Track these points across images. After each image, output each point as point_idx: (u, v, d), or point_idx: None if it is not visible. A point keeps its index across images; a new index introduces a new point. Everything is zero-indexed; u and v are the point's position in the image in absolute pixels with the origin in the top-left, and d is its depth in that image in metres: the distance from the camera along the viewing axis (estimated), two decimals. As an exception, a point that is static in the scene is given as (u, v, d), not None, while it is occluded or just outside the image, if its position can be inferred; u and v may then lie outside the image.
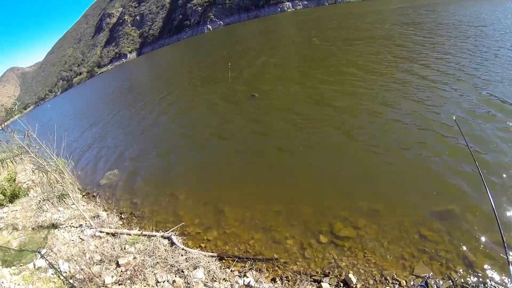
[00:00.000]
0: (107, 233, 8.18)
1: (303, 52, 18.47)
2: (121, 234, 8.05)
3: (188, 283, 5.65)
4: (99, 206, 10.01)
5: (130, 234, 7.99)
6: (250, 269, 4.99)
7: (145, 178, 10.38)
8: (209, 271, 5.69)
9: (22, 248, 7.82)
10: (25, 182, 12.26)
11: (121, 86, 41.32)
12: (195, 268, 5.88)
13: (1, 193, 10.49)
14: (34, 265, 7.04)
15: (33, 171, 12.32)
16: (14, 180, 11.35)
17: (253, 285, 4.49)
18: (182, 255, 6.39)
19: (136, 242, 7.55)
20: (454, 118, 4.60)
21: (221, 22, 74.14)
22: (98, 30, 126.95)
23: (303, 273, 4.48)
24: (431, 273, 3.81)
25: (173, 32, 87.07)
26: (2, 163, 12.22)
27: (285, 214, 5.87)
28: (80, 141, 19.37)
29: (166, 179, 9.80)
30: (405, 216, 4.89)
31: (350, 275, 4.10)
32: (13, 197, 10.72)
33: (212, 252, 5.92)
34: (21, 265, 7.10)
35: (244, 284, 4.64)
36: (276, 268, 4.79)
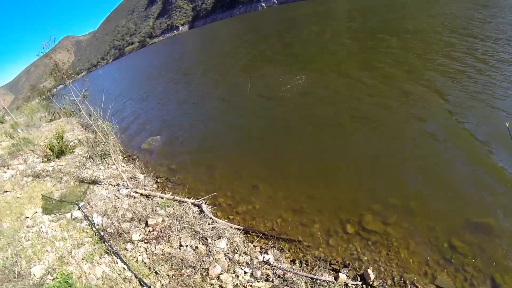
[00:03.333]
0: (141, 194, 8.90)
1: (366, 46, 16.78)
2: (154, 196, 8.67)
3: (210, 251, 6.06)
4: (137, 168, 11.06)
5: (162, 198, 8.56)
6: (272, 247, 5.52)
7: (186, 147, 11.82)
8: (232, 242, 6.11)
9: (62, 199, 9.11)
10: (72, 141, 14.42)
11: (171, 57, 45.47)
12: (219, 238, 6.34)
13: (49, 149, 12.48)
14: (71, 215, 8.11)
15: (80, 129, 14.21)
16: (62, 138, 13.39)
17: (271, 263, 5.01)
18: (209, 224, 6.92)
19: (167, 206, 8.04)
20: (507, 125, 4.61)
21: (275, 0, 72.39)
22: (151, 2, 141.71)
23: (323, 260, 4.91)
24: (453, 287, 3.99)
25: (226, 7, 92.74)
26: (50, 113, 14.44)
27: (317, 199, 6.39)
28: (126, 108, 21.96)
29: (205, 150, 11.02)
30: (438, 221, 5.11)
31: (369, 271, 4.39)
32: (60, 153, 12.69)
33: (239, 225, 6.76)
34: (59, 214, 8.28)
35: (263, 261, 5.20)
36: (298, 250, 5.29)
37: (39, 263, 6.60)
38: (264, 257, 5.40)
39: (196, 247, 6.40)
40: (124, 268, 6.17)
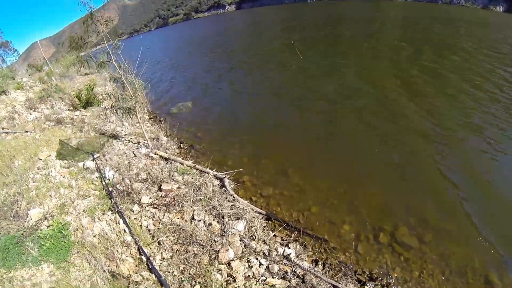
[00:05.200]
0: (161, 157, 8.47)
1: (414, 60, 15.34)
2: (174, 161, 8.20)
3: (224, 232, 5.50)
4: (162, 130, 10.78)
5: (182, 164, 8.08)
6: (295, 240, 5.21)
7: (217, 118, 11.89)
8: (251, 227, 5.58)
9: (79, 147, 8.96)
10: (101, 94, 14.60)
11: (215, 33, 46.24)
12: (237, 219, 5.80)
13: (77, 97, 12.69)
14: (84, 164, 7.90)
15: (112, 86, 14.31)
16: (92, 89, 13.55)
17: (292, 259, 4.65)
18: (228, 201, 6.36)
19: (186, 173, 7.53)
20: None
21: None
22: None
23: (348, 267, 4.59)
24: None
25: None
26: (85, 66, 14.84)
27: (349, 197, 6.14)
28: (161, 73, 22.26)
29: (237, 124, 11.02)
30: (478, 252, 4.83)
31: None
32: (87, 104, 12.93)
33: (261, 209, 6.24)
34: (72, 161, 8.13)
35: (282, 254, 4.84)
36: (322, 250, 5.00)
37: (39, 207, 6.33)
38: (284, 250, 5.00)
39: (210, 224, 5.80)
40: (125, 231, 5.68)
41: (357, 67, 14.42)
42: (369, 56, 16.35)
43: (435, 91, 10.60)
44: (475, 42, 17.03)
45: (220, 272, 4.76)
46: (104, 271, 4.72)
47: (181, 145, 9.81)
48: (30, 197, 6.78)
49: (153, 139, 9.82)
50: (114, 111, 10.59)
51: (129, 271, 4.81)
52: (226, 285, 4.48)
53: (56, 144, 9.28)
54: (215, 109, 12.81)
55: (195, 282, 4.56)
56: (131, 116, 10.57)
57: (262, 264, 4.77)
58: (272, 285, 4.34)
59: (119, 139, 9.72)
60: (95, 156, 8.43)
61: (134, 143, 9.46)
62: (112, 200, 6.46)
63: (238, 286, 4.48)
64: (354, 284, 4.35)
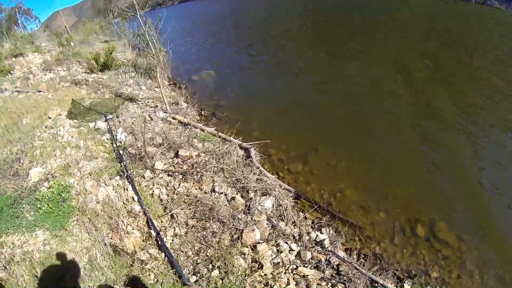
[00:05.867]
0: (180, 122, 7.67)
1: None
2: (194, 127, 7.35)
3: (249, 209, 4.71)
4: (182, 96, 9.93)
5: (203, 131, 7.25)
6: (328, 225, 4.76)
7: (241, 88, 11.21)
8: (280, 205, 4.83)
9: (92, 107, 8.25)
10: (120, 59, 13.91)
11: (242, 7, 44.29)
12: (264, 195, 5.01)
13: (94, 60, 12.06)
14: (95, 125, 7.25)
15: (130, 47, 13.58)
16: (111, 53, 12.86)
17: (326, 246, 4.20)
18: (254, 174, 5.56)
19: (207, 140, 6.69)
20: None
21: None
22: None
23: (385, 260, 4.17)
24: None
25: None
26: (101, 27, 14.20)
27: (385, 183, 5.76)
28: (184, 42, 21.43)
29: (263, 96, 10.26)
30: None
31: None
32: (104, 67, 12.29)
33: (289, 186, 5.56)
34: (82, 121, 7.48)
35: (315, 240, 4.36)
36: (356, 238, 4.62)
37: (41, 166, 5.67)
38: (317, 235, 4.42)
39: (233, 198, 4.99)
40: (133, 199, 4.90)
41: (386, 54, 13.19)
42: (396, 47, 14.81)
43: (469, 87, 9.79)
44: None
45: (243, 256, 3.96)
46: (105, 244, 3.96)
47: (202, 112, 9.01)
48: (33, 156, 6.18)
49: (172, 104, 9.01)
50: (134, 71, 9.82)
51: (134, 247, 4.03)
52: (251, 272, 3.71)
53: (68, 104, 8.67)
54: (239, 80, 12.12)
55: (213, 266, 3.75)
56: (151, 77, 9.97)
57: (293, 250, 4.10)
58: (304, 276, 3.67)
59: (136, 102, 8.99)
60: (108, 117, 7.70)
61: (151, 107, 8.71)
62: (122, 163, 5.67)
63: (265, 274, 3.69)
64: (392, 281, 3.87)
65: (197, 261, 3.86)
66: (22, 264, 3.89)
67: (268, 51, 15.61)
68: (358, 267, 3.85)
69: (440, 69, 10.83)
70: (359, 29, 18.96)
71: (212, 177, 5.47)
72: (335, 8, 30.43)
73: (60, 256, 3.97)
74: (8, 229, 4.49)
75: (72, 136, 6.85)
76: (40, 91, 9.98)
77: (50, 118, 7.87)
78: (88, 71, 12.49)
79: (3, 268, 3.90)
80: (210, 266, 3.76)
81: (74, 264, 3.76)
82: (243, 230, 4.27)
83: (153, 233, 4.23)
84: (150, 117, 7.94)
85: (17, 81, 11.27)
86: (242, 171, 5.68)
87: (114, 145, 6.51)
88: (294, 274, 3.71)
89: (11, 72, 12.34)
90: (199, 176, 5.43)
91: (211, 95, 10.54)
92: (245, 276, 3.62)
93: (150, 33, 7.96)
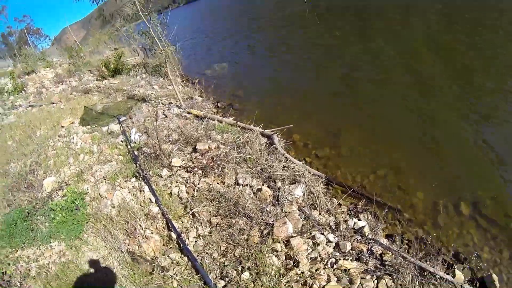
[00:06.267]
0: (195, 116, 7.35)
1: None
2: (211, 119, 6.93)
3: (278, 199, 4.26)
4: (196, 90, 9.61)
5: (221, 122, 6.89)
6: (364, 210, 4.36)
7: (258, 76, 11.03)
8: (311, 193, 4.37)
9: (104, 112, 8.11)
10: (130, 64, 13.87)
11: (247, 3, 44.29)
12: (293, 183, 4.57)
13: (105, 66, 12.07)
14: (108, 128, 7.11)
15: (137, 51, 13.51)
16: (120, 57, 12.86)
17: (366, 234, 3.80)
18: (280, 161, 5.14)
19: (226, 131, 6.29)
20: None
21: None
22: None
23: (429, 244, 3.82)
24: None
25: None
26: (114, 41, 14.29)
27: (421, 160, 5.39)
28: (194, 41, 21.35)
29: (280, 82, 9.94)
30: None
31: (494, 276, 3.44)
32: (115, 72, 12.28)
33: (318, 171, 5.15)
34: (95, 126, 7.35)
35: (353, 228, 3.95)
36: (396, 222, 4.29)
37: (55, 175, 5.49)
38: (355, 223, 4.00)
39: (259, 190, 4.52)
40: (150, 200, 4.56)
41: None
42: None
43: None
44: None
45: (276, 253, 3.53)
46: (122, 251, 3.61)
47: (219, 104, 8.74)
48: (47, 166, 6.04)
49: (186, 99, 8.73)
50: (144, 71, 9.66)
51: (153, 252, 3.68)
52: (286, 271, 3.28)
53: (81, 112, 8.61)
54: (253, 69, 11.91)
55: (243, 267, 3.33)
56: (162, 74, 9.81)
57: (330, 241, 3.68)
58: (346, 269, 3.29)
59: (149, 102, 8.79)
60: (121, 120, 7.52)
61: (165, 104, 8.47)
62: (136, 164, 5.38)
63: (302, 272, 3.26)
64: (441, 267, 3.49)
65: (224, 263, 3.47)
66: (38, 279, 3.65)
67: (279, 39, 15.24)
68: (405, 255, 3.45)
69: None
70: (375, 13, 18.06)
71: (234, 169, 5.07)
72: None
73: (74, 268, 3.68)
74: (24, 243, 4.34)
75: (85, 142, 6.71)
76: (52, 103, 10.05)
77: (63, 127, 7.81)
78: (100, 78, 12.56)
79: (19, 285, 3.67)
80: (240, 268, 3.35)
81: (91, 276, 3.45)
82: (273, 223, 3.86)
83: (174, 236, 3.88)
84: (165, 114, 7.67)
85: (30, 96, 11.46)
86: (267, 160, 5.26)
87: (128, 146, 6.25)
88: (335, 269, 3.32)
89: (25, 89, 12.63)
90: (220, 169, 5.04)
91: (226, 87, 10.29)
92: (280, 276, 3.20)
93: (156, 29, 7.73)
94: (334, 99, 7.86)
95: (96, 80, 12.39)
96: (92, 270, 3.58)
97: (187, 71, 13.31)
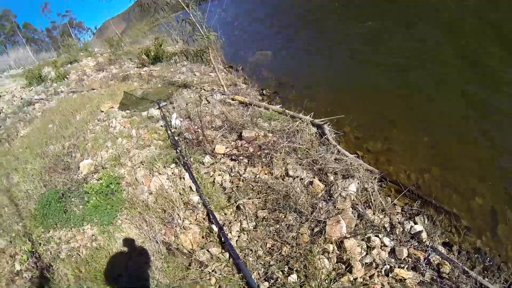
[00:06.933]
0: (240, 102, 7.10)
1: None
2: (257, 106, 6.58)
3: (331, 194, 3.96)
4: (240, 77, 9.39)
5: (268, 109, 6.54)
6: (420, 213, 4.11)
7: (303, 65, 10.81)
8: (365, 189, 4.15)
9: (144, 97, 8.11)
10: (171, 52, 14.08)
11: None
12: (346, 178, 4.29)
13: (145, 54, 12.30)
14: (148, 113, 7.06)
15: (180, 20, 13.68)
16: (161, 45, 13.05)
17: (423, 240, 3.60)
18: (332, 153, 4.87)
19: (273, 119, 5.93)
20: None
21: None
22: None
23: (489, 258, 3.62)
24: None
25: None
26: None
27: (479, 161, 5.07)
28: (237, 29, 21.34)
29: (328, 70, 9.69)
30: None
31: None
32: (155, 60, 12.44)
33: (370, 166, 4.91)
34: (135, 111, 7.34)
35: (409, 232, 3.74)
36: (453, 229, 4.06)
37: (92, 158, 5.46)
38: (412, 227, 3.73)
39: (311, 183, 4.22)
40: (191, 188, 4.29)
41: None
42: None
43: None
44: None
45: (327, 255, 3.23)
46: (157, 241, 3.33)
47: (264, 92, 8.46)
48: (85, 149, 6.08)
49: (230, 86, 8.48)
50: (185, 58, 9.63)
51: (192, 245, 3.39)
52: (337, 276, 3.01)
53: (121, 97, 8.69)
54: (300, 57, 11.58)
55: (290, 269, 3.04)
56: (204, 60, 9.74)
57: (386, 246, 3.40)
58: (402, 279, 3.04)
59: (190, 88, 8.68)
60: (161, 104, 7.44)
61: (207, 90, 8.28)
62: (177, 150, 5.17)
63: (355, 279, 2.99)
64: (500, 284, 3.26)
65: (269, 262, 3.18)
66: (67, 262, 3.51)
67: (322, 28, 14.84)
68: (466, 269, 3.22)
69: None
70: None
71: (283, 159, 4.70)
72: None
73: (105, 255, 3.48)
74: (56, 224, 4.30)
75: (124, 126, 6.70)
76: (93, 89, 10.33)
77: (102, 111, 7.91)
78: (140, 65, 12.79)
79: (47, 266, 3.57)
80: (286, 269, 3.05)
81: (122, 264, 3.21)
82: (325, 221, 3.54)
83: (215, 229, 3.56)
84: (207, 100, 7.48)
85: (72, 83, 11.95)
86: (317, 151, 4.97)
87: (169, 132, 6.09)
88: (390, 277, 3.05)
89: (67, 77, 13.24)
90: (268, 158, 4.65)
91: (271, 75, 9.98)
92: (330, 282, 2.93)
93: (196, 14, 7.64)
94: (386, 91, 7.51)
95: (137, 67, 12.64)
96: (124, 258, 3.34)
97: (229, 58, 13.23)
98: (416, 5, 12.38)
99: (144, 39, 21.08)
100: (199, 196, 4.19)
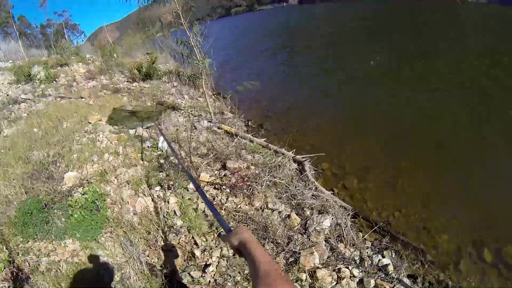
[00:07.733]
0: (226, 132, 7.45)
1: None
2: (243, 138, 6.98)
3: (306, 228, 4.38)
4: (227, 106, 9.74)
5: (252, 142, 6.92)
6: (388, 247, 4.45)
7: (290, 98, 11.43)
8: (339, 224, 4.51)
9: (133, 114, 8.32)
10: (162, 70, 14.40)
11: (277, 25, 46.84)
12: (322, 214, 4.71)
13: (137, 69, 12.57)
14: (136, 132, 7.17)
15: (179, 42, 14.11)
16: (153, 62, 13.37)
17: (390, 273, 3.90)
18: (310, 189, 5.29)
19: (257, 152, 6.27)
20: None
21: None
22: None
23: None
24: None
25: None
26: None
27: (448, 201, 5.55)
28: (226, 55, 22.14)
29: (314, 106, 10.40)
30: None
31: None
32: (146, 76, 12.70)
33: (345, 203, 5.39)
34: (122, 128, 7.45)
35: (377, 265, 4.06)
36: (419, 263, 4.39)
37: (77, 170, 5.58)
38: (380, 260, 4.10)
39: (288, 216, 4.64)
40: (175, 213, 4.48)
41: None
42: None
43: None
44: None
45: (301, 283, 3.56)
46: (141, 262, 3.53)
47: (249, 123, 8.87)
48: (70, 160, 6.13)
49: (217, 113, 8.84)
50: (177, 78, 9.97)
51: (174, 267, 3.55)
52: None
53: (109, 110, 8.86)
54: (288, 90, 12.41)
55: None
56: (196, 84, 10.09)
57: (355, 276, 3.74)
58: None
59: (178, 111, 8.98)
60: (149, 125, 7.64)
61: (195, 116, 8.57)
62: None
63: None
64: None
65: (246, 287, 3.37)
66: (47, 275, 3.60)
67: (309, 59, 16.12)
68: None
69: None
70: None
71: (264, 191, 5.03)
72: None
73: (87, 271, 3.62)
74: (36, 235, 4.31)
75: (111, 142, 6.83)
76: (82, 98, 10.40)
77: (90, 123, 8.01)
78: (130, 80, 12.96)
79: (25, 278, 3.64)
80: None
81: (105, 282, 3.37)
82: (300, 252, 3.89)
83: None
84: (194, 126, 7.78)
85: (61, 88, 11.93)
86: (296, 186, 5.34)
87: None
88: None
89: (56, 79, 13.20)
90: (250, 190, 4.99)
91: (257, 106, 10.62)
92: None
93: (196, 38, 8.00)
94: (368, 131, 8.13)
95: (127, 81, 12.81)
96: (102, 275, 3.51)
97: (218, 84, 13.68)
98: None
99: (137, 53, 21.28)
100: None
